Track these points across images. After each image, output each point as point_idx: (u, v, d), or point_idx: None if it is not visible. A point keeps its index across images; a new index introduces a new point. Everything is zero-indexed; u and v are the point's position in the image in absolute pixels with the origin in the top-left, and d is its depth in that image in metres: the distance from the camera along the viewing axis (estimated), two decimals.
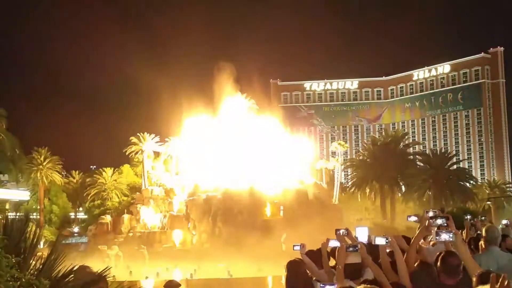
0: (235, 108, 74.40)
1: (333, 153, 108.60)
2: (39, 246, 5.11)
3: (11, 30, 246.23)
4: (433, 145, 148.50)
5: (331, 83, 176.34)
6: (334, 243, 6.31)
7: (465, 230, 9.98)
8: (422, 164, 75.13)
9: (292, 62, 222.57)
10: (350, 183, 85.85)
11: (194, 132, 72.46)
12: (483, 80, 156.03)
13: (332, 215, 60.12)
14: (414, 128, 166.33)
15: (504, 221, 10.10)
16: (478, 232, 9.11)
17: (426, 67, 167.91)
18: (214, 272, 46.24)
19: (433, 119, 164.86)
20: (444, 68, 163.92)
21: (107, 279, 5.12)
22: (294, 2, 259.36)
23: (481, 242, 7.58)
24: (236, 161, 67.72)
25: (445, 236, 5.21)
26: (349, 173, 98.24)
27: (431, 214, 6.23)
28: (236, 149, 68.14)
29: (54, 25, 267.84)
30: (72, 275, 4.81)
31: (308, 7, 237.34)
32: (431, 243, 8.05)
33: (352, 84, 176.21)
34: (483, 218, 9.61)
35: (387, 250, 6.18)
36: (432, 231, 5.79)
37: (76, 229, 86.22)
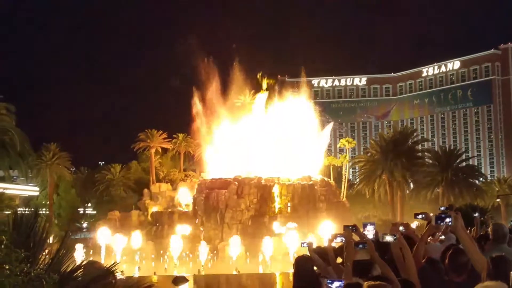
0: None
1: (341, 150, 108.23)
2: (48, 241, 5.14)
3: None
4: (442, 142, 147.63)
5: (339, 80, 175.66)
6: (340, 239, 6.26)
7: (474, 228, 9.93)
8: (431, 161, 74.66)
9: (300, 59, 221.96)
10: (357, 180, 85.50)
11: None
12: (493, 77, 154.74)
13: (339, 212, 59.96)
14: (423, 125, 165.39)
15: None
16: (488, 229, 9.03)
17: (435, 64, 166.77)
18: (221, 268, 46.37)
19: (442, 116, 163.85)
20: (454, 64, 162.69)
21: (115, 274, 5.15)
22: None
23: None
24: (244, 159, 67.61)
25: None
26: (356, 170, 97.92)
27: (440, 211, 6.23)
28: (243, 145, 68.02)
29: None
30: (80, 270, 4.84)
31: (318, 3, 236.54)
32: (439, 239, 8.04)
33: (360, 80, 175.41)
34: (491, 216, 9.55)
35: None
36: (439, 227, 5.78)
37: (85, 224, 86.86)
